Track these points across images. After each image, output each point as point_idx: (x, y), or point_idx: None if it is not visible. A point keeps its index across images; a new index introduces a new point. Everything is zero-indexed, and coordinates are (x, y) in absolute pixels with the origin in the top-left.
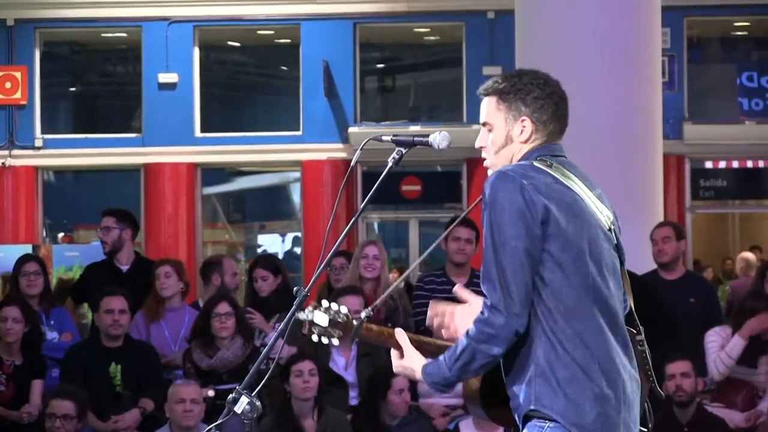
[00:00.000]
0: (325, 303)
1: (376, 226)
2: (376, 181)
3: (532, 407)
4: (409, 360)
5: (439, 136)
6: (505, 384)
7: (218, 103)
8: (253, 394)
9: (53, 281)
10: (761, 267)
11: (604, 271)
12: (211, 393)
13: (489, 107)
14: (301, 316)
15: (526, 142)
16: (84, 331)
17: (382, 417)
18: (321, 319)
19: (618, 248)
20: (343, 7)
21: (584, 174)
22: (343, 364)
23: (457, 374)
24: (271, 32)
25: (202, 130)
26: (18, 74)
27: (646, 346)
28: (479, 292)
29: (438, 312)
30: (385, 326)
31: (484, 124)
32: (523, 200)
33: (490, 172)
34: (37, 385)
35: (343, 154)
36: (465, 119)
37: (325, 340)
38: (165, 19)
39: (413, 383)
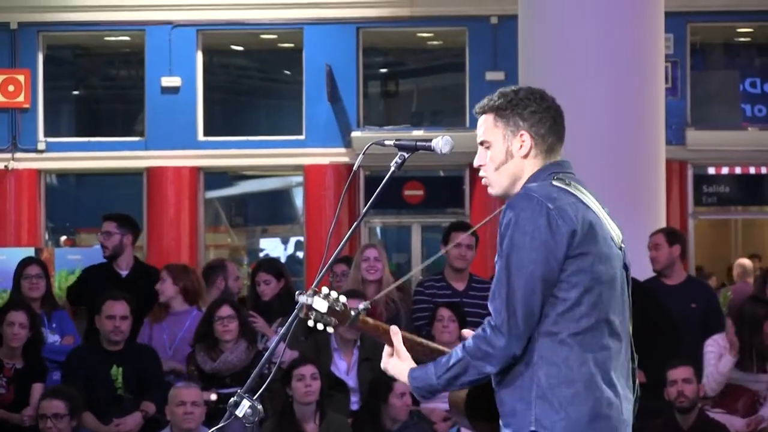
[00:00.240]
0: (325, 290)
1: (378, 230)
2: (379, 185)
3: (532, 428)
4: (398, 360)
5: (441, 141)
6: (501, 400)
7: (221, 107)
8: (254, 398)
9: (55, 284)
10: (762, 273)
11: (616, 292)
12: (213, 396)
13: (486, 125)
14: (301, 299)
15: (526, 156)
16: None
17: (383, 421)
18: (320, 305)
19: (626, 267)
20: (346, 11)
21: (593, 193)
22: (344, 368)
23: (444, 384)
24: (275, 36)
25: (205, 134)
26: (21, 77)
27: (636, 365)
28: (477, 297)
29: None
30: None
31: (481, 143)
32: (548, 225)
33: (490, 190)
34: (37, 389)
35: (345, 159)
36: (468, 124)
37: (320, 326)
38: (168, 23)
39: None
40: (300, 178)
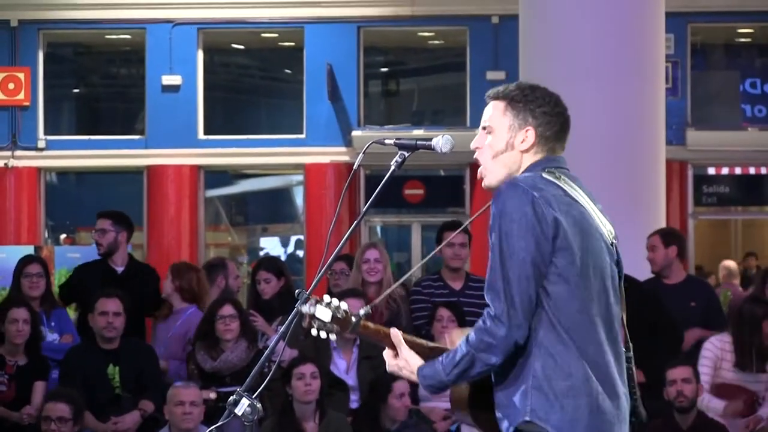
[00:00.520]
0: (326, 298)
1: (378, 229)
2: (379, 184)
3: (527, 418)
4: (404, 360)
5: (441, 140)
6: (496, 392)
7: (222, 106)
8: (254, 397)
9: (55, 283)
10: (762, 273)
11: (606, 285)
12: (213, 395)
13: (495, 111)
14: (304, 308)
15: (525, 151)
16: None
17: (382, 420)
18: (323, 313)
19: (618, 263)
20: (347, 10)
21: (586, 188)
22: (344, 367)
23: (454, 379)
24: (275, 35)
25: (206, 133)
26: (21, 75)
27: (633, 364)
28: (474, 296)
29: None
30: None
31: (484, 128)
32: (534, 213)
33: (484, 182)
34: (39, 387)
35: (346, 158)
36: (468, 124)
37: (323, 335)
38: (169, 21)
39: (414, 387)
40: (300, 177)
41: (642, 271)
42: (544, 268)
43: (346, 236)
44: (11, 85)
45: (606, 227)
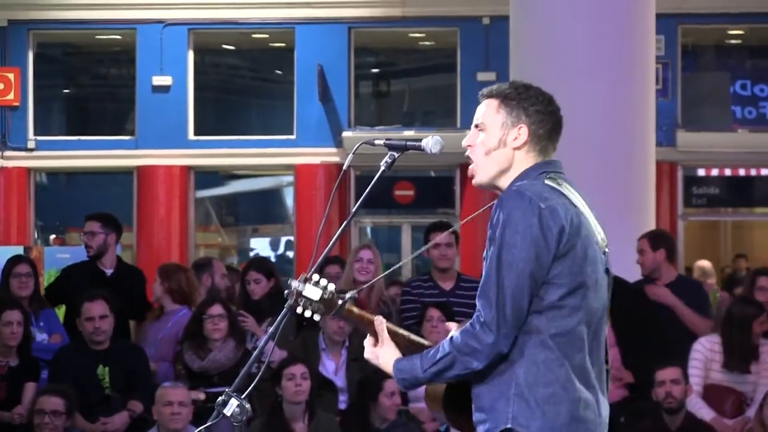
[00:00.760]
0: (315, 277)
1: (368, 230)
2: (369, 185)
3: (508, 425)
4: (383, 350)
5: (431, 141)
6: (477, 395)
7: (212, 107)
8: (242, 397)
9: (44, 283)
10: (751, 274)
11: (597, 294)
12: (201, 396)
13: (488, 109)
14: (293, 284)
15: (518, 149)
16: None
17: (371, 421)
18: (312, 292)
19: (607, 271)
20: (338, 11)
21: (582, 194)
22: (333, 368)
23: (429, 378)
24: (266, 36)
25: (196, 133)
26: (11, 75)
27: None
28: (464, 296)
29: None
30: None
31: (477, 126)
32: (539, 225)
33: (475, 180)
34: (30, 388)
35: (336, 159)
36: (459, 125)
37: (307, 313)
38: (159, 21)
39: None
40: (291, 178)
41: (632, 273)
42: (541, 281)
43: (335, 237)
44: (1, 86)
45: (600, 235)
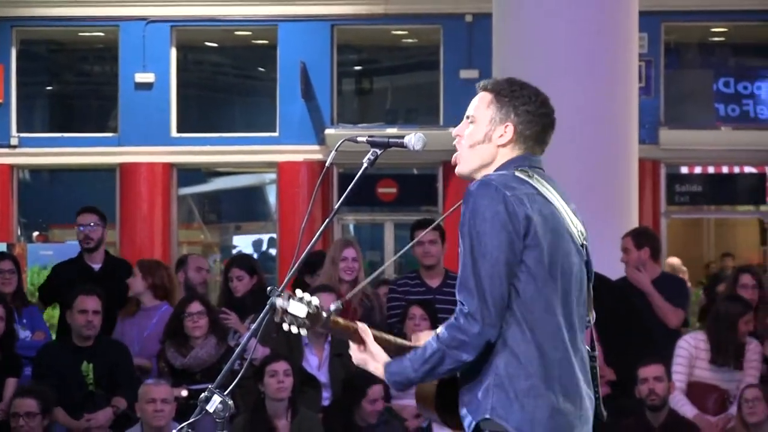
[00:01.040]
0: (299, 293)
1: (351, 227)
2: (352, 182)
3: (487, 416)
4: (371, 354)
5: (414, 138)
6: (461, 393)
7: (195, 104)
8: (225, 394)
9: (27, 280)
10: (734, 272)
11: (572, 286)
12: (184, 393)
13: (481, 102)
14: (278, 302)
15: (503, 146)
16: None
17: (355, 418)
18: (297, 309)
19: (587, 264)
20: (320, 8)
21: (560, 188)
22: (316, 364)
23: (422, 376)
24: (249, 33)
25: (179, 131)
26: None
27: (597, 364)
28: (451, 294)
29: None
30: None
31: (468, 116)
32: (506, 211)
33: (457, 168)
34: (10, 384)
35: (319, 156)
36: (441, 122)
37: (294, 329)
38: (142, 18)
39: (387, 387)
40: (273, 175)
41: (615, 270)
42: (516, 266)
43: (318, 234)
44: None
45: (577, 228)
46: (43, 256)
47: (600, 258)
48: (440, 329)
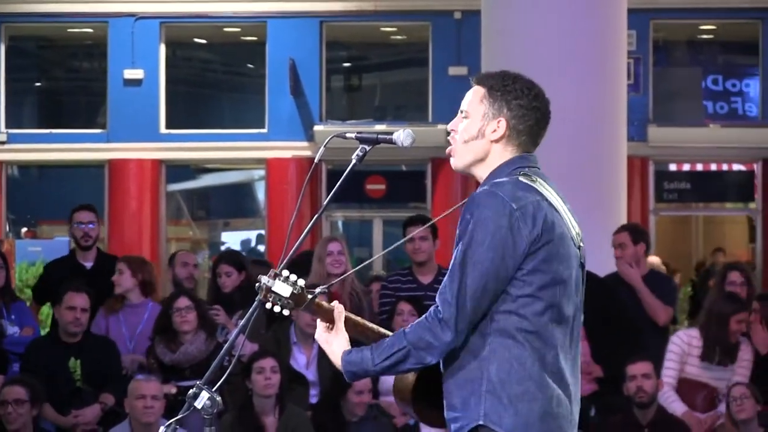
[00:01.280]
0: (285, 273)
1: (340, 224)
2: (341, 178)
3: (480, 422)
4: (334, 338)
5: (403, 134)
6: (449, 392)
7: (184, 100)
8: (213, 390)
9: (15, 276)
10: (722, 269)
11: (571, 291)
12: (173, 390)
13: (474, 97)
14: (263, 279)
15: (496, 141)
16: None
17: (343, 414)
18: (281, 288)
19: (582, 266)
20: (309, 5)
21: (556, 187)
22: (304, 362)
23: (380, 370)
24: (238, 30)
25: (168, 127)
26: None
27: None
28: None
29: None
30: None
31: (461, 111)
32: (509, 225)
33: (452, 161)
34: None
35: (308, 153)
36: (430, 119)
37: (277, 309)
38: (131, 15)
39: (374, 382)
40: (262, 172)
41: (603, 267)
42: (506, 281)
43: (306, 230)
44: None
45: (575, 230)
46: (31, 252)
47: (588, 255)
48: (408, 327)
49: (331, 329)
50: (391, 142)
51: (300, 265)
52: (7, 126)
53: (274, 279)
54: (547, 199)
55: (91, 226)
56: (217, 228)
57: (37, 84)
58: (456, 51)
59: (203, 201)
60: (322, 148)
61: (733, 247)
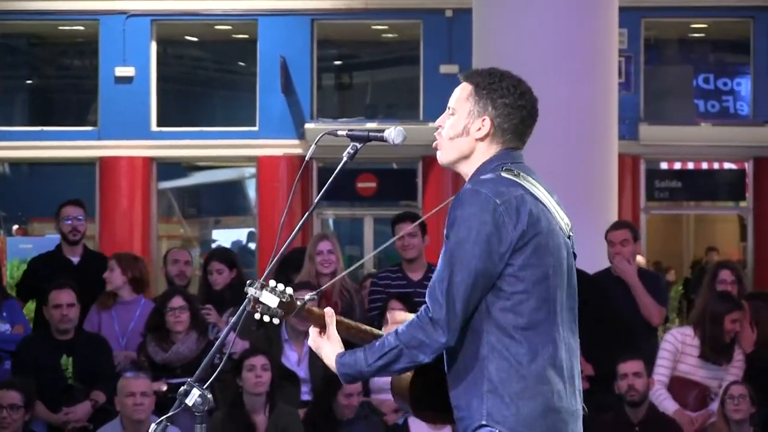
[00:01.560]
0: (272, 282)
1: (331, 222)
2: (331, 176)
3: (483, 422)
4: (326, 343)
5: (394, 132)
6: (453, 394)
7: (175, 98)
8: (204, 387)
9: (6, 274)
10: (713, 267)
11: (564, 283)
12: (163, 387)
13: (461, 94)
14: (250, 291)
15: (481, 140)
16: None
17: (335, 413)
18: (269, 299)
19: (573, 255)
20: (300, 3)
21: (542, 180)
22: (295, 359)
23: (374, 372)
24: (229, 27)
25: (159, 125)
26: None
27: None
28: None
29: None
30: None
31: (449, 108)
32: (493, 221)
33: (438, 155)
34: None
35: (299, 151)
36: (421, 117)
37: (266, 318)
38: (122, 12)
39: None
40: (253, 170)
41: (592, 265)
42: (494, 277)
43: (297, 228)
44: None
45: (563, 220)
46: (22, 249)
47: (578, 253)
48: (400, 326)
49: (324, 334)
50: (382, 139)
51: (292, 261)
52: None
53: (261, 290)
54: (531, 193)
55: (79, 218)
56: (208, 225)
57: (29, 81)
58: (447, 49)
59: (194, 198)
60: (313, 145)
61: (724, 245)
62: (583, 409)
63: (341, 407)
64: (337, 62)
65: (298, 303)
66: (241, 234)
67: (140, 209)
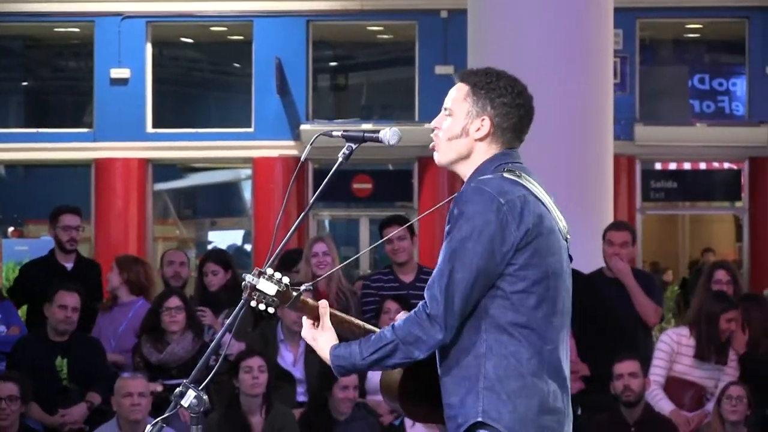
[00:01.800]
0: (269, 271)
1: (326, 223)
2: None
3: (479, 419)
4: (321, 335)
5: (389, 132)
6: (447, 390)
7: (170, 99)
8: (200, 388)
9: (2, 276)
10: (708, 268)
11: (562, 283)
12: (159, 388)
13: (458, 94)
14: (247, 278)
15: (480, 140)
16: None
17: (331, 413)
18: (266, 287)
19: (569, 257)
20: (296, 4)
21: (540, 182)
22: (291, 360)
23: (369, 364)
24: (224, 29)
25: (154, 126)
26: None
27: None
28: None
29: None
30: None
31: (445, 109)
32: (496, 220)
33: (435, 155)
34: None
35: (294, 152)
36: (417, 118)
37: (261, 307)
38: (118, 14)
39: (360, 379)
40: (249, 171)
41: (587, 266)
42: (495, 276)
43: (292, 229)
44: None
45: (561, 222)
46: (18, 251)
47: (574, 254)
48: (397, 321)
49: (317, 326)
50: (377, 140)
51: (287, 262)
52: None
53: (259, 277)
54: (533, 193)
55: (77, 231)
56: (204, 227)
57: (24, 83)
58: (442, 50)
59: (190, 200)
60: (308, 146)
61: (720, 246)
62: (573, 410)
63: (337, 403)
64: (333, 63)
65: (293, 294)
66: (236, 235)
67: (136, 211)
